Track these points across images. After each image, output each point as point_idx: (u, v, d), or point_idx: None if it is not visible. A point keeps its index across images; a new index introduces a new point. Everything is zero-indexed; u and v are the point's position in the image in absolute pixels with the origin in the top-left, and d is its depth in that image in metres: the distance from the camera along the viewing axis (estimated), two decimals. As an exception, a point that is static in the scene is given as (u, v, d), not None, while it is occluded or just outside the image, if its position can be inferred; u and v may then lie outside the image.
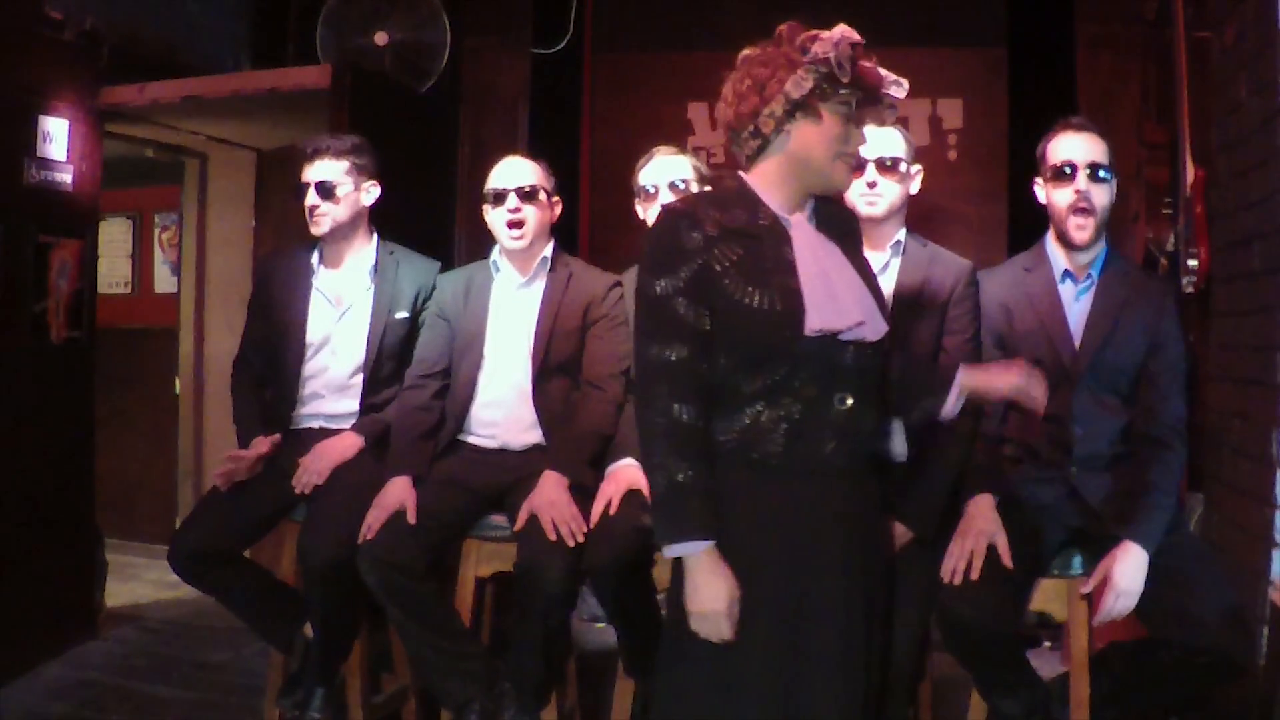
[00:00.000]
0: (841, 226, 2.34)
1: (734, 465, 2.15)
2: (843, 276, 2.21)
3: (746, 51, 2.30)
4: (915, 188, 2.99)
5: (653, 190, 3.18)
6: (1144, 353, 2.84)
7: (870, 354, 2.19)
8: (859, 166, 2.90)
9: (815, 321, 2.10)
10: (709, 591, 2.11)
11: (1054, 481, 2.85)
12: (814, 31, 2.19)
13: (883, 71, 2.20)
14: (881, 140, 2.91)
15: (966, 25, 5.05)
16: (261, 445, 3.24)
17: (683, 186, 3.15)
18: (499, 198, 3.20)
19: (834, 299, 2.14)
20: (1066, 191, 2.84)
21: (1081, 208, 2.83)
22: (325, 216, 3.31)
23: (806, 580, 2.16)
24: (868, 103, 2.20)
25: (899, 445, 2.38)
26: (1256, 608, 2.93)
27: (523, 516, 2.98)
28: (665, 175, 3.17)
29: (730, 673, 2.15)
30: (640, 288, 2.21)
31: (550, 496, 2.97)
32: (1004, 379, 2.39)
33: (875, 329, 2.18)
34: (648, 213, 3.21)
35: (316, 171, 3.31)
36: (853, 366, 2.16)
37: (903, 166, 2.92)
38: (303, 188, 3.32)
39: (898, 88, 2.21)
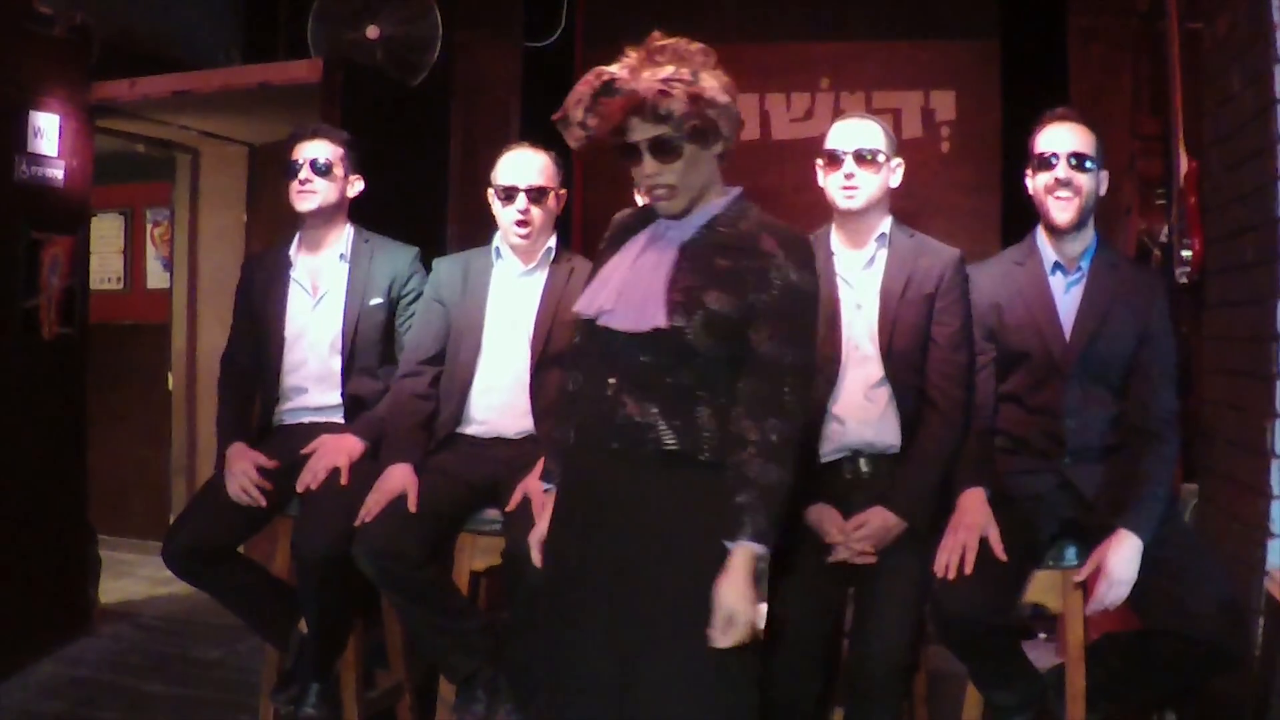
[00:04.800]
0: (730, 242, 2.32)
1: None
2: (638, 274, 2.31)
3: None
4: (896, 181, 2.97)
5: None
6: (1134, 344, 2.84)
7: (640, 344, 2.25)
8: (833, 160, 2.91)
9: (578, 304, 2.37)
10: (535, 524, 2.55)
11: (1046, 473, 2.85)
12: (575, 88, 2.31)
13: (634, 92, 2.23)
14: (859, 133, 2.91)
15: (959, 18, 5.05)
16: (243, 458, 3.22)
17: None
18: (508, 195, 3.19)
19: (599, 290, 2.34)
20: (1047, 176, 2.85)
21: (1061, 195, 2.83)
22: (315, 194, 3.32)
23: (576, 556, 2.33)
24: (622, 136, 2.28)
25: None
26: (1251, 599, 2.93)
27: (516, 496, 2.98)
28: None
29: (542, 610, 2.44)
30: None
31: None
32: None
33: (627, 320, 2.26)
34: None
35: (313, 149, 3.33)
36: (620, 353, 2.28)
37: (880, 159, 2.90)
38: (295, 165, 3.33)
39: (664, 98, 2.22)
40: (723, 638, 2.16)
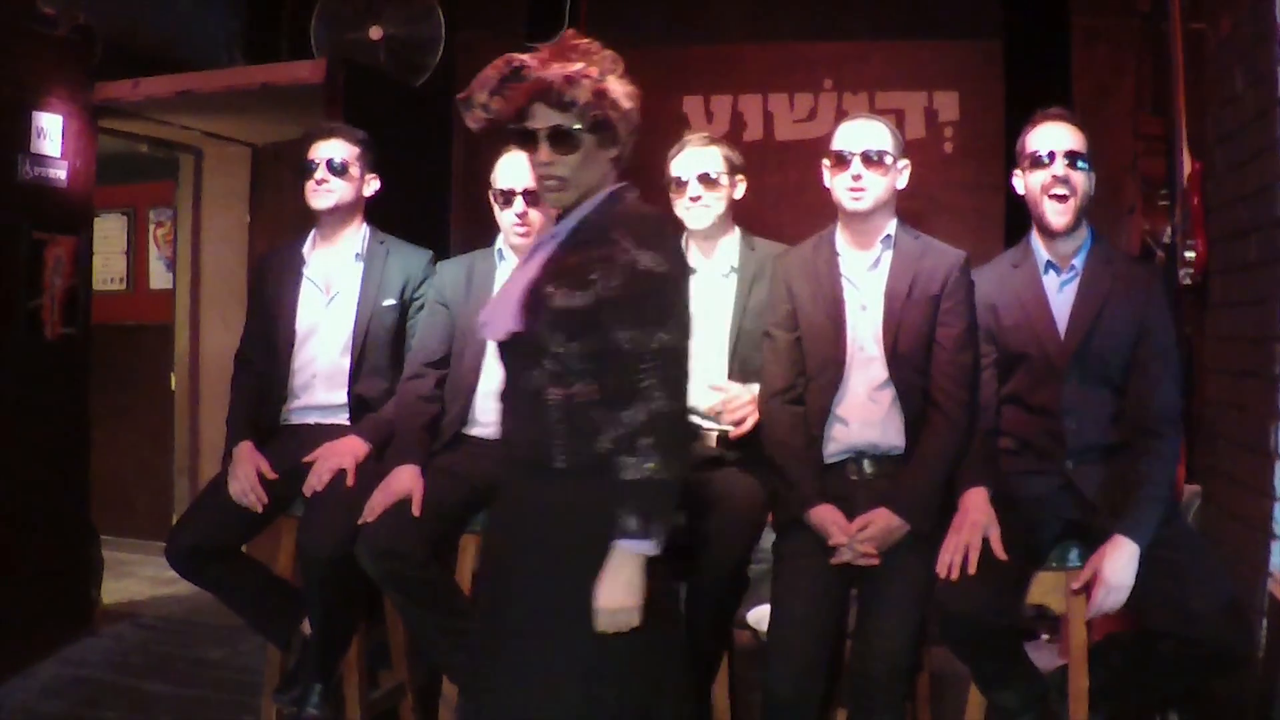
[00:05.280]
0: (585, 237, 2.34)
1: None
2: (511, 286, 2.38)
3: None
4: (903, 182, 2.97)
5: (684, 180, 3.15)
6: (1132, 341, 2.83)
7: (505, 353, 2.36)
8: (840, 161, 2.90)
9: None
10: None
11: (1048, 473, 2.85)
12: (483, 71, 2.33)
13: (542, 78, 2.28)
14: (867, 134, 2.91)
15: (962, 18, 5.04)
16: (248, 460, 3.23)
17: (714, 177, 3.13)
18: (507, 198, 3.19)
19: (489, 306, 2.43)
20: (1043, 175, 2.85)
21: (1057, 193, 2.84)
22: (332, 193, 3.32)
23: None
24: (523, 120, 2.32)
25: None
26: (1254, 599, 2.93)
27: None
28: (694, 167, 3.14)
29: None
30: None
31: None
32: None
33: (492, 330, 2.33)
34: (677, 204, 3.18)
35: (330, 149, 3.33)
36: (500, 364, 2.39)
37: (888, 160, 2.90)
38: (311, 164, 3.33)
39: (570, 86, 2.26)
40: (605, 630, 2.20)
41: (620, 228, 2.27)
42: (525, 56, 2.29)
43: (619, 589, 2.19)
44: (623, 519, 2.17)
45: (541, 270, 2.31)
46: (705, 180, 3.12)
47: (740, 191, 3.21)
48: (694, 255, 3.21)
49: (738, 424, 3.03)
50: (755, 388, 3.06)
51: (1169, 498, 2.76)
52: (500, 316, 2.31)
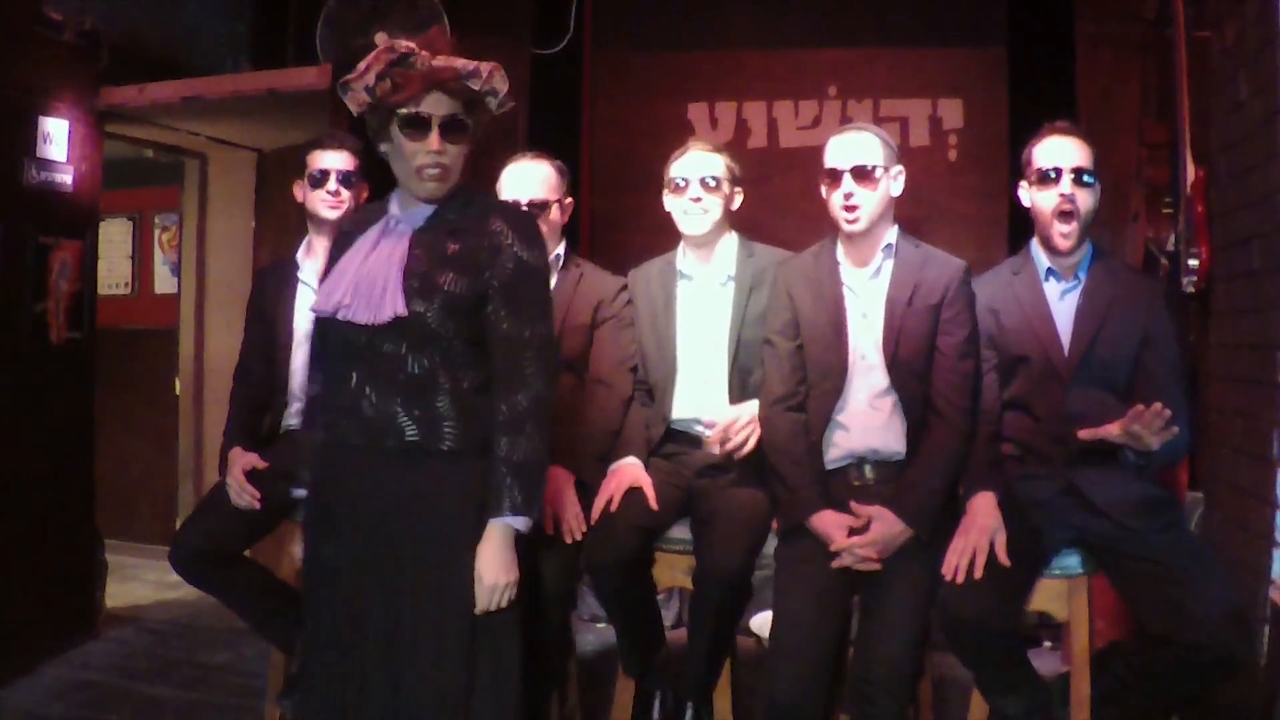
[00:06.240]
0: (460, 225, 2.42)
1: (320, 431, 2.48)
2: (372, 266, 2.37)
3: None
4: (898, 190, 2.96)
5: (683, 183, 3.14)
6: (1136, 348, 2.85)
7: (384, 337, 2.33)
8: (833, 178, 2.91)
9: (315, 303, 2.41)
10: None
11: (1051, 479, 2.85)
12: (371, 55, 2.37)
13: (446, 65, 2.36)
14: (855, 148, 2.91)
15: (966, 25, 5.04)
16: (238, 462, 3.26)
17: (714, 184, 3.12)
18: None
19: (334, 286, 2.37)
20: (1051, 194, 2.86)
21: (1065, 211, 2.85)
22: (343, 204, 3.37)
23: (336, 547, 2.39)
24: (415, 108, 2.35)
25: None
26: (1257, 606, 2.93)
27: None
28: (697, 170, 3.13)
29: (306, 611, 2.48)
30: None
31: (556, 490, 2.98)
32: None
33: (366, 312, 2.31)
34: (674, 204, 3.18)
35: (338, 160, 3.39)
36: (364, 347, 2.35)
37: (879, 173, 2.89)
38: (323, 175, 3.37)
39: (475, 78, 2.36)
40: (486, 605, 2.32)
41: (500, 221, 2.40)
42: (407, 44, 2.35)
43: (502, 564, 2.33)
44: (506, 497, 2.32)
45: (419, 254, 2.37)
46: (705, 184, 3.12)
47: (738, 202, 3.21)
48: (690, 263, 3.22)
49: (740, 447, 3.04)
50: (753, 404, 3.06)
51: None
52: (379, 299, 2.31)
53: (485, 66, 2.38)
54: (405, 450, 2.35)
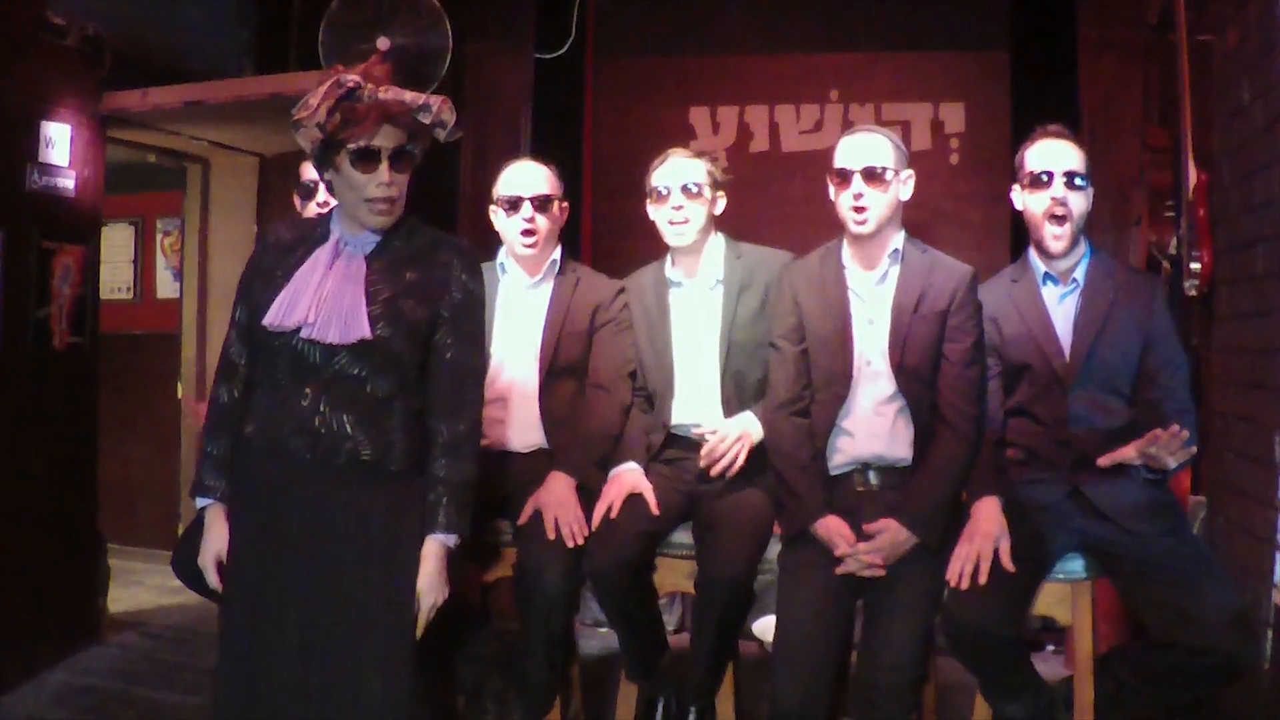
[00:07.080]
0: (412, 254, 2.50)
1: (245, 441, 2.46)
2: (332, 287, 2.40)
3: None
4: (907, 193, 2.95)
5: (665, 191, 3.13)
6: (1138, 351, 2.85)
7: (345, 356, 2.37)
8: (843, 179, 2.90)
9: (267, 317, 2.39)
10: (203, 544, 2.52)
11: (1055, 483, 2.85)
12: (320, 90, 2.41)
13: (396, 100, 2.39)
14: (867, 150, 2.90)
15: (969, 30, 5.06)
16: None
17: (695, 190, 3.11)
18: (513, 205, 3.20)
19: (293, 302, 2.39)
20: (1043, 197, 2.87)
21: (1057, 214, 2.85)
22: None
23: (269, 557, 2.40)
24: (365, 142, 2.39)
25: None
26: (1260, 610, 2.93)
27: (528, 510, 2.99)
28: (679, 178, 3.13)
29: (229, 621, 2.50)
30: None
31: (558, 495, 2.98)
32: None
33: (333, 332, 2.35)
34: (658, 214, 3.17)
35: None
36: (321, 365, 2.38)
37: (889, 175, 2.88)
38: (313, 185, 3.39)
39: (424, 112, 2.42)
40: (425, 622, 2.43)
41: (448, 252, 2.51)
42: (354, 77, 2.38)
43: (439, 579, 2.45)
44: (442, 515, 2.44)
45: (378, 280, 2.42)
46: (687, 191, 3.11)
47: (720, 207, 3.20)
48: (677, 272, 3.21)
49: (730, 465, 3.04)
50: (745, 416, 3.06)
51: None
52: (346, 321, 2.36)
53: (435, 100, 2.42)
54: (355, 468, 2.39)
